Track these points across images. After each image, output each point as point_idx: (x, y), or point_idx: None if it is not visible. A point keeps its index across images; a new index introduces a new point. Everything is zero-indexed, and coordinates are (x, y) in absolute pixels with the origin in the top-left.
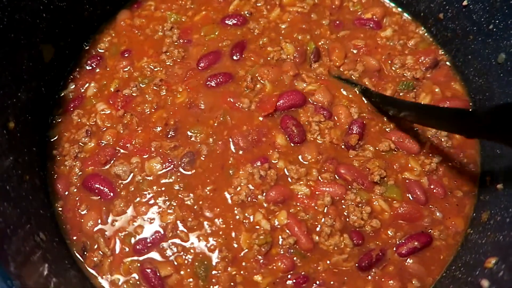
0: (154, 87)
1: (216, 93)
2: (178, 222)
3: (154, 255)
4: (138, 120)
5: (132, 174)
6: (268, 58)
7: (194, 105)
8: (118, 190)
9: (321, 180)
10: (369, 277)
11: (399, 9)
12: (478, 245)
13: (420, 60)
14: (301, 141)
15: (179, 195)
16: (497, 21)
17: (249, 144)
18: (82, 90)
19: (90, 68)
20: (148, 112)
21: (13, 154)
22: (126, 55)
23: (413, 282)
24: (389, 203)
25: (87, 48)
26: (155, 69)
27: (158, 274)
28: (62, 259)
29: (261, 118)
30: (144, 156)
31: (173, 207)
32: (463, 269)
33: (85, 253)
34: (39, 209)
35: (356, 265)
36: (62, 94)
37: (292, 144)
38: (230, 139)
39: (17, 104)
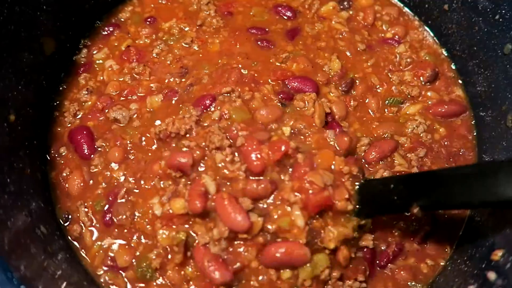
0: (184, 44)
1: (254, 50)
2: None
3: None
4: (151, 70)
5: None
6: (312, 55)
7: (225, 53)
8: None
9: None
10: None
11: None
12: (483, 238)
13: (419, 74)
14: None
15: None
16: (503, 11)
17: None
18: (94, 54)
19: (106, 33)
20: (169, 62)
21: (14, 147)
22: (149, 21)
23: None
24: None
25: (99, 25)
26: (185, 29)
27: None
28: (63, 252)
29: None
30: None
31: None
32: (468, 262)
33: (67, 223)
34: (40, 203)
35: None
36: (74, 58)
37: None
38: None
39: (18, 97)
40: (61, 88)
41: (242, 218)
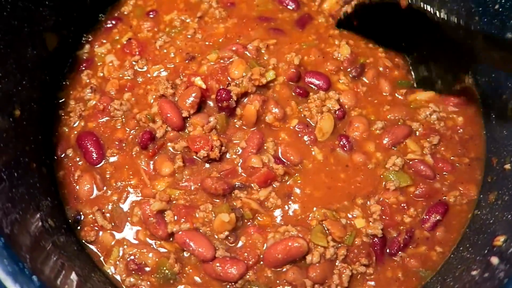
0: (188, 36)
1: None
2: None
3: None
4: (153, 60)
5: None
6: (323, 44)
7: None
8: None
9: None
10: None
11: None
12: (485, 225)
13: None
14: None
15: None
16: (503, 1)
17: None
18: (96, 48)
19: (109, 26)
20: (173, 56)
21: (20, 142)
22: (152, 15)
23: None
24: (405, 192)
25: (102, 18)
26: (187, 21)
27: None
28: (70, 244)
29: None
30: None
31: None
32: (471, 249)
33: (78, 226)
34: (46, 197)
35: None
36: (76, 54)
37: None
38: None
39: (22, 92)
40: (64, 83)
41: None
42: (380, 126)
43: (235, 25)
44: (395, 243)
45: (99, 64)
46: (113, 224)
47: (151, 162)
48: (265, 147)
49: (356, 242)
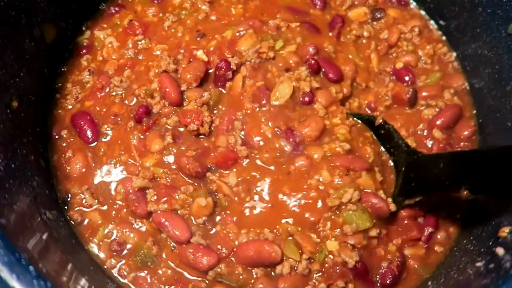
0: (199, 18)
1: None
2: None
3: None
4: (158, 39)
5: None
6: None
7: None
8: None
9: None
10: None
11: None
12: (488, 218)
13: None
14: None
15: None
16: None
17: None
18: (96, 32)
19: (111, 13)
20: (181, 35)
21: (17, 134)
22: (157, 1)
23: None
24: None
25: (104, 7)
26: (199, 5)
27: None
28: (69, 238)
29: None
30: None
31: None
32: (475, 241)
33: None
34: (45, 189)
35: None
36: (76, 40)
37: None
38: None
39: (20, 84)
40: (62, 70)
41: None
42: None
43: (257, 6)
44: (388, 272)
45: (98, 48)
46: (99, 202)
47: (142, 137)
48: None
49: (327, 260)
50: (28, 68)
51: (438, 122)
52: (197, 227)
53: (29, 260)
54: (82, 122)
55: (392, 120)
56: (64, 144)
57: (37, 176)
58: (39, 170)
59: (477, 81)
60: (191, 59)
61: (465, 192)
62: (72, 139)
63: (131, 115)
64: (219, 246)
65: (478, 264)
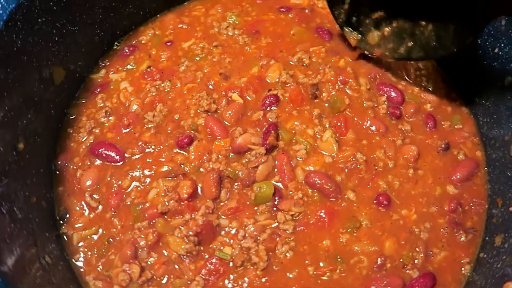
0: (214, 59)
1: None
2: None
3: None
4: (181, 82)
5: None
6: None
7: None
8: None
9: None
10: None
11: None
12: (493, 270)
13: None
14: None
15: None
16: (502, 45)
17: None
18: (111, 74)
19: (125, 53)
20: (201, 76)
21: (22, 175)
22: (169, 44)
23: None
24: None
25: (118, 47)
26: (209, 47)
27: None
28: (67, 282)
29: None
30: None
31: None
32: None
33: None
34: (45, 232)
35: None
36: (91, 77)
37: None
38: None
39: (27, 125)
40: (76, 102)
41: None
42: None
43: (269, 44)
44: None
45: (112, 86)
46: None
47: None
48: None
49: None
50: (36, 110)
51: None
52: None
53: None
54: (104, 149)
55: None
56: (75, 167)
57: (37, 218)
58: (41, 212)
59: None
60: (228, 100)
61: None
62: (89, 163)
63: (166, 143)
64: None
65: None
